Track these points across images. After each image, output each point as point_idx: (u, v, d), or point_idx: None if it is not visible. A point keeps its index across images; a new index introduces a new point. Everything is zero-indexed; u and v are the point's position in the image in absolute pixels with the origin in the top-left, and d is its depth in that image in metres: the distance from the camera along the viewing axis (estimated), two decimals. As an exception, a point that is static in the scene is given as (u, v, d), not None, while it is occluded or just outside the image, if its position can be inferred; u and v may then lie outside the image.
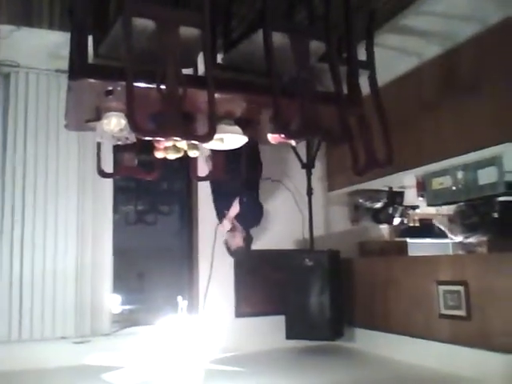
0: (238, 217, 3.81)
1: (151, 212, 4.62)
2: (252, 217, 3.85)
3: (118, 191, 4.25)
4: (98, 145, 3.00)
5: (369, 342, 3.94)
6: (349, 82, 2.65)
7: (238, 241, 3.86)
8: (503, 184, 3.23)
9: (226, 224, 3.88)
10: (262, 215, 3.88)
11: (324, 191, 4.68)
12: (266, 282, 4.24)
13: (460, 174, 3.51)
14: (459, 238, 4.40)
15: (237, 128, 2.63)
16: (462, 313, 3.17)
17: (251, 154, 3.59)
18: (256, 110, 2.65)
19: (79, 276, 3.68)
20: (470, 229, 4.27)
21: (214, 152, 2.99)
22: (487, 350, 2.95)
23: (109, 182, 3.85)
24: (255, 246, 4.08)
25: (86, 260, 3.73)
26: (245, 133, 2.66)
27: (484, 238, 4.29)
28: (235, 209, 3.81)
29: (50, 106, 3.70)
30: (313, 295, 3.95)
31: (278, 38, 2.34)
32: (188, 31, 2.17)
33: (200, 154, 2.87)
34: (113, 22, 2.17)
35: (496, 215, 4.07)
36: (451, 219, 4.38)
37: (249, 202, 3.79)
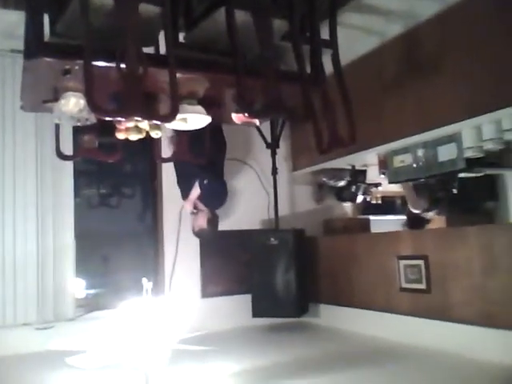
0: (201, 198, 3.80)
1: (114, 195, 4.54)
2: (216, 197, 3.83)
3: (81, 174, 4.16)
4: (57, 126, 2.91)
5: (333, 317, 4.03)
6: (312, 60, 2.65)
7: (200, 222, 3.84)
8: (463, 160, 3.31)
9: (188, 206, 3.86)
10: (226, 195, 3.87)
11: (289, 171, 4.72)
12: (232, 262, 4.27)
13: (420, 152, 3.58)
14: (419, 212, 4.51)
15: (200, 108, 2.60)
16: (422, 286, 3.27)
17: (215, 134, 3.56)
18: (219, 89, 2.63)
19: (40, 261, 3.61)
20: (430, 203, 4.39)
21: (178, 133, 2.95)
22: (447, 321, 3.06)
23: (69, 164, 3.75)
24: (222, 227, 4.08)
25: (47, 244, 3.65)
26: (208, 113, 2.63)
27: (442, 213, 4.43)
28: (196, 191, 3.79)
29: (6, 87, 3.57)
30: (278, 273, 4.00)
31: (241, 16, 2.31)
32: (148, 8, 2.12)
33: (163, 134, 2.83)
34: (69, -1, 2.09)
35: (455, 191, 4.18)
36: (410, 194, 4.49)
37: (212, 182, 3.77)
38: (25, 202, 3.60)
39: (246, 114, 2.59)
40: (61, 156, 3.03)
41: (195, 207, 3.84)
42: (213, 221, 3.86)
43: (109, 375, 2.83)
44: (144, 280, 3.59)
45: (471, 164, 3.36)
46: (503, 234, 2.90)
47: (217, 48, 2.47)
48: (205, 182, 3.74)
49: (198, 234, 3.92)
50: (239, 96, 2.36)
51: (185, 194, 3.93)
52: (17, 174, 3.59)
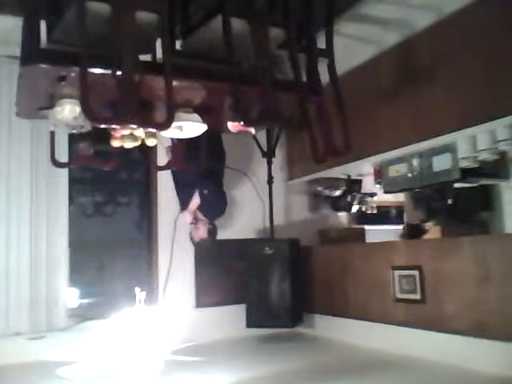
0: (201, 208, 3.78)
1: (109, 203, 4.52)
2: (216, 207, 3.83)
3: (76, 182, 4.13)
4: (52, 133, 2.90)
5: (328, 327, 4.00)
6: (308, 69, 2.66)
7: (201, 233, 3.84)
8: (457, 170, 3.32)
9: (188, 217, 3.85)
10: (225, 205, 3.87)
11: (284, 180, 4.71)
12: (227, 272, 4.24)
13: (415, 162, 3.59)
14: (415, 223, 4.53)
15: (196, 116, 2.60)
16: (416, 296, 3.26)
17: (214, 143, 3.56)
18: (215, 97, 2.63)
19: (33, 269, 3.57)
20: (427, 213, 4.40)
21: (174, 141, 2.94)
22: (441, 332, 3.04)
23: (64, 172, 3.73)
24: (217, 236, 4.07)
25: (41, 253, 3.62)
26: (204, 121, 2.63)
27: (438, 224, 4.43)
28: (195, 201, 3.78)
29: (2, 93, 3.55)
30: (273, 283, 3.97)
31: (237, 25, 2.32)
32: (145, 16, 2.13)
33: (159, 142, 2.82)
34: (66, 6, 2.09)
35: (450, 201, 4.19)
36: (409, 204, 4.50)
37: (211, 192, 3.76)
38: (19, 209, 3.56)
39: (242, 123, 2.59)
40: (56, 163, 3.02)
41: (195, 217, 3.82)
42: (212, 231, 3.85)
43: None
44: (137, 290, 3.57)
45: (466, 174, 3.37)
46: (497, 244, 2.90)
47: (213, 56, 2.48)
48: (205, 191, 3.73)
49: (198, 244, 3.90)
50: (235, 104, 2.37)
51: (184, 205, 3.92)
52: (11, 181, 3.56)
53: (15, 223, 3.55)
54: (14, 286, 3.50)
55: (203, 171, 3.16)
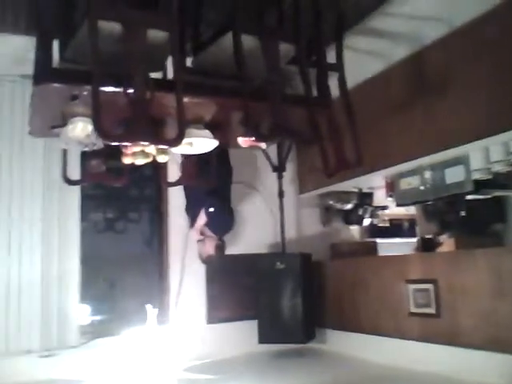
0: (208, 224, 3.78)
1: (121, 219, 4.53)
2: (223, 223, 3.82)
3: (87, 199, 4.14)
4: (64, 151, 2.92)
5: (340, 343, 3.95)
6: (318, 84, 2.66)
7: (208, 249, 3.82)
8: (470, 182, 3.29)
9: (195, 233, 3.84)
10: (233, 221, 3.86)
11: (295, 194, 4.69)
12: (238, 287, 4.21)
13: (428, 174, 3.56)
14: (429, 236, 4.48)
15: (206, 132, 2.61)
16: (431, 311, 3.21)
17: (222, 160, 3.56)
18: (226, 113, 2.64)
19: (45, 286, 3.56)
20: (440, 226, 4.35)
21: (185, 157, 2.95)
22: (457, 347, 2.99)
23: (76, 189, 3.73)
24: (228, 251, 4.05)
25: (52, 269, 3.61)
26: (215, 137, 2.64)
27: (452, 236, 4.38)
28: (202, 218, 3.77)
29: (15, 112, 3.58)
30: (285, 299, 3.94)
31: (248, 41, 2.33)
32: (156, 34, 2.14)
33: (170, 159, 2.83)
34: (79, 25, 2.11)
35: (463, 214, 4.15)
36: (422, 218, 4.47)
37: (219, 208, 3.76)
38: (31, 226, 3.57)
39: (253, 138, 2.60)
40: (68, 181, 3.04)
41: (202, 234, 3.82)
42: (221, 247, 3.84)
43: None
44: (148, 307, 3.56)
45: (479, 186, 3.33)
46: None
47: (223, 72, 2.48)
48: (210, 209, 3.72)
49: (205, 261, 3.89)
50: (246, 120, 2.37)
51: (193, 221, 3.92)
52: (24, 198, 3.57)
53: (27, 239, 3.55)
54: (25, 302, 3.49)
55: (213, 187, 3.16)
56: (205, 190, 3.34)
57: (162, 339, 3.62)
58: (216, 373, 3.44)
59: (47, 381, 3.31)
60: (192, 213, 3.92)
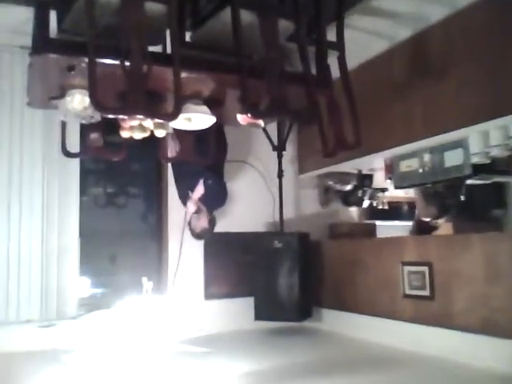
0: (204, 198, 3.79)
1: (121, 194, 4.56)
2: (216, 198, 3.83)
3: (88, 173, 4.17)
4: (63, 124, 2.93)
5: (336, 322, 4.00)
6: (318, 62, 2.64)
7: (202, 223, 3.84)
8: (469, 166, 3.28)
9: (191, 206, 3.86)
10: (226, 196, 3.87)
11: (294, 174, 4.70)
12: (236, 264, 4.25)
13: (427, 157, 3.55)
14: (427, 219, 4.48)
15: (204, 108, 2.61)
16: (425, 293, 3.24)
17: (217, 135, 3.56)
18: (224, 89, 2.63)
19: (45, 259, 3.62)
20: (440, 210, 4.35)
21: (183, 132, 2.95)
22: (449, 329, 3.02)
23: (75, 162, 3.76)
24: (226, 229, 4.08)
25: (52, 242, 3.66)
26: (213, 113, 2.63)
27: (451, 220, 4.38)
28: (200, 190, 3.78)
29: (14, 83, 3.58)
30: (282, 277, 3.97)
31: (246, 16, 2.31)
32: (154, 7, 2.13)
33: (168, 133, 2.83)
34: (76, -4, 2.10)
35: (463, 198, 4.15)
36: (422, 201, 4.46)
37: (213, 183, 3.77)
38: (31, 199, 3.61)
39: (250, 115, 2.59)
40: (66, 153, 3.05)
41: (197, 207, 3.83)
42: (213, 221, 3.86)
43: (108, 374, 2.83)
44: (144, 279, 3.60)
45: (478, 170, 3.33)
46: (508, 241, 2.86)
47: (222, 48, 2.47)
48: (209, 181, 3.74)
49: (199, 234, 3.91)
50: (243, 97, 2.36)
51: (182, 195, 3.93)
52: (23, 171, 3.60)
53: (27, 213, 3.60)
54: (25, 274, 3.55)
55: (211, 162, 3.16)
56: (199, 166, 3.34)
57: (158, 312, 3.67)
58: (211, 346, 3.50)
59: (45, 350, 3.37)
60: (183, 186, 3.92)
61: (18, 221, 3.57)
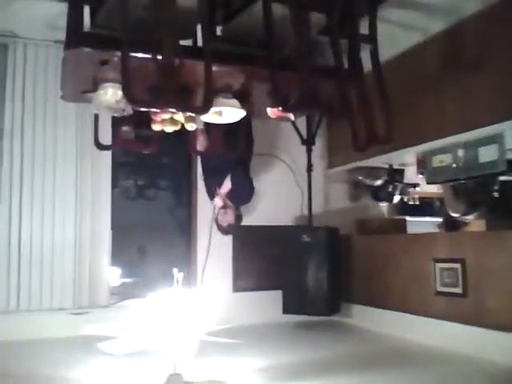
0: (231, 193, 3.80)
1: (151, 187, 4.62)
2: (243, 194, 3.83)
3: (119, 166, 4.24)
4: (96, 117, 2.98)
5: (365, 317, 3.97)
6: (350, 55, 2.61)
7: (229, 218, 3.87)
8: (504, 162, 3.20)
9: (218, 201, 3.88)
10: (252, 193, 3.87)
11: (324, 168, 4.67)
12: (264, 258, 4.26)
13: (461, 152, 3.47)
14: (458, 215, 4.39)
15: (235, 101, 2.60)
16: (458, 290, 3.18)
17: (245, 129, 3.56)
18: (254, 83, 2.62)
19: (77, 248, 3.71)
20: (470, 206, 4.26)
21: (213, 126, 2.96)
22: (482, 327, 2.97)
23: (107, 155, 3.83)
24: (254, 222, 4.08)
25: (85, 233, 3.74)
26: (243, 107, 2.63)
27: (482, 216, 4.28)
28: (227, 186, 3.80)
29: (49, 77, 3.67)
30: (310, 271, 3.96)
31: (278, 9, 2.29)
32: (185, 1, 2.13)
33: (198, 127, 2.85)
34: (109, -9, 2.13)
35: (496, 194, 4.05)
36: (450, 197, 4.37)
37: (240, 178, 3.78)
38: (64, 190, 3.70)
39: (281, 109, 2.58)
40: (99, 146, 3.10)
41: (223, 203, 3.85)
42: (240, 217, 3.88)
43: (138, 362, 2.88)
44: (175, 270, 3.64)
45: (513, 166, 3.25)
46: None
47: (253, 41, 2.46)
48: (236, 178, 3.75)
49: (225, 229, 3.93)
50: (274, 90, 2.35)
51: (210, 190, 3.95)
52: (57, 163, 3.69)
53: (61, 204, 3.69)
54: (58, 263, 3.64)
55: (240, 157, 3.17)
56: (229, 160, 3.35)
57: (187, 303, 3.71)
58: (238, 338, 3.51)
59: (77, 337, 3.47)
60: (211, 181, 3.95)
61: (51, 211, 3.66)
